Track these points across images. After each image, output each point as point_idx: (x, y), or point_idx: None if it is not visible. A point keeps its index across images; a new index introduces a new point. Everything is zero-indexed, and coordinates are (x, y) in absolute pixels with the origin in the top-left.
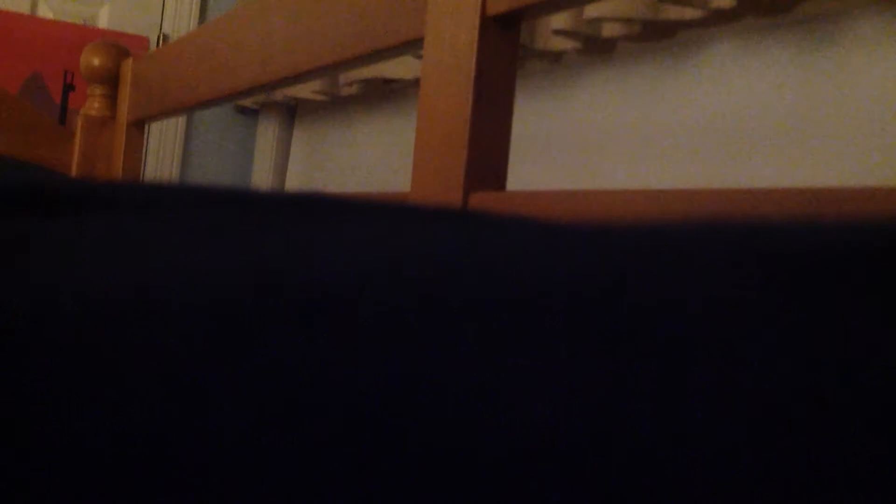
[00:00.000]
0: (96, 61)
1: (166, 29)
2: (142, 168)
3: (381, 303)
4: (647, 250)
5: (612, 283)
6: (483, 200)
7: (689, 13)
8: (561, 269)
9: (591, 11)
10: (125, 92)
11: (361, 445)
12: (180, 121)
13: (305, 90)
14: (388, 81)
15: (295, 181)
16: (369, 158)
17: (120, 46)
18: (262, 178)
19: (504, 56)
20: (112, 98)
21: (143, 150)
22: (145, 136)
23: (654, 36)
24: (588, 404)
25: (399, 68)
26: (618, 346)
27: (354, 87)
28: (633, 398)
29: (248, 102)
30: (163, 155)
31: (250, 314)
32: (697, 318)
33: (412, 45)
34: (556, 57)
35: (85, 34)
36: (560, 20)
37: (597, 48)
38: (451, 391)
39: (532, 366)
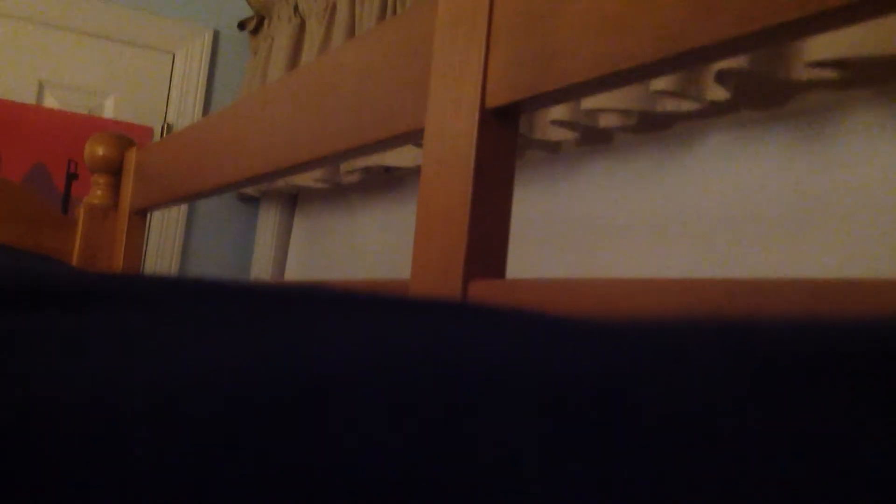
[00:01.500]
0: (101, 151)
1: (171, 119)
2: (143, 256)
3: (383, 401)
4: (644, 352)
5: (610, 387)
6: (482, 288)
7: (686, 105)
8: (558, 370)
9: (588, 103)
10: (128, 181)
11: None
12: (182, 208)
13: (307, 178)
14: (388, 169)
15: (295, 268)
16: (370, 245)
17: (124, 136)
18: (262, 265)
19: (503, 147)
20: (115, 187)
21: (145, 238)
22: (147, 224)
23: (651, 127)
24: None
25: (400, 156)
26: (615, 450)
27: (355, 174)
28: (630, 495)
29: (249, 190)
30: (164, 242)
31: (256, 413)
32: (694, 423)
33: (413, 136)
34: (554, 146)
35: (89, 124)
36: (558, 111)
37: (594, 138)
38: (448, 487)
39: (528, 468)
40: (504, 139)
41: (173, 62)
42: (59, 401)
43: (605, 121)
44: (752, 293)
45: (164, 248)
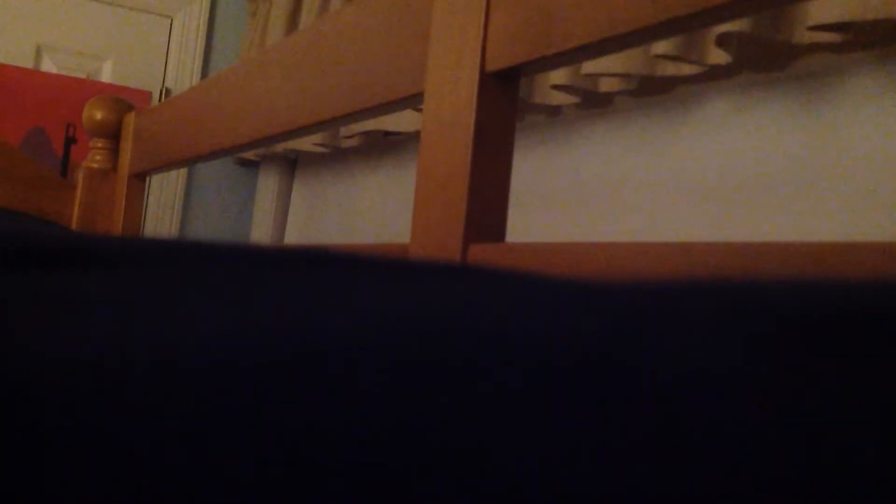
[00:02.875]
0: (99, 115)
1: (169, 83)
2: (142, 220)
3: (382, 362)
4: (640, 313)
5: (605, 350)
6: (482, 252)
7: (686, 69)
8: (558, 330)
9: (588, 67)
10: (127, 145)
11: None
12: (181, 173)
13: (306, 142)
14: (388, 134)
15: (295, 232)
16: (369, 210)
17: (122, 100)
18: (261, 229)
19: (503, 111)
20: (114, 151)
21: (144, 203)
22: (146, 188)
23: (652, 91)
24: (583, 463)
25: (399, 121)
26: (611, 407)
27: (355, 139)
28: (626, 458)
29: (248, 155)
30: (163, 207)
31: (255, 375)
32: (689, 382)
33: (412, 100)
34: (554, 110)
35: (88, 88)
36: (558, 75)
37: (595, 102)
38: (449, 449)
39: (527, 425)
40: (504, 103)
41: (171, 26)
42: (57, 361)
43: (606, 85)
44: (752, 256)
45: (163, 211)
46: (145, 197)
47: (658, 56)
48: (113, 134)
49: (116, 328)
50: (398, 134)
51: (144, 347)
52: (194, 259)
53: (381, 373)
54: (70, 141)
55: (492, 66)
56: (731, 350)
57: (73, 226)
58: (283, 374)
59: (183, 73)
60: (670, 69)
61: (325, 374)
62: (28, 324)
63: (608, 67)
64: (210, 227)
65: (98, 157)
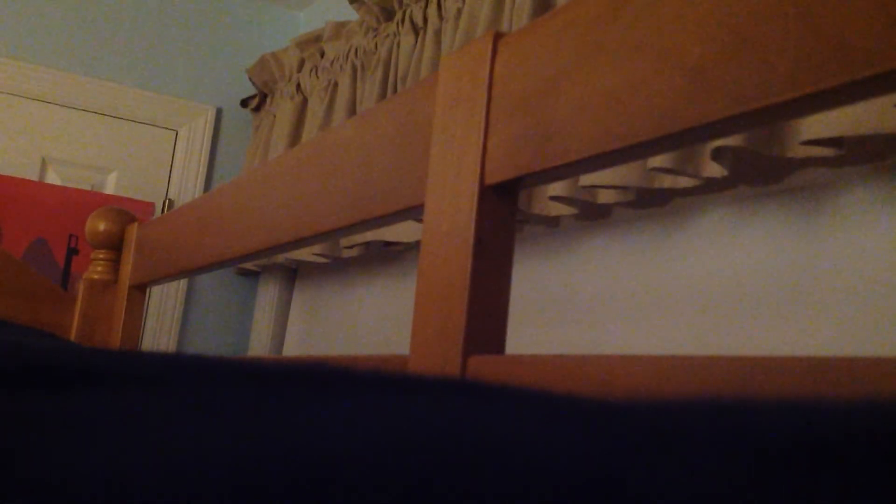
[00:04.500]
0: (102, 226)
1: (172, 195)
2: (141, 330)
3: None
4: (640, 437)
5: (607, 475)
6: (482, 364)
7: (682, 181)
8: (558, 455)
9: (586, 179)
10: (129, 256)
11: None
12: (181, 283)
13: (306, 252)
14: (388, 244)
15: (294, 343)
16: (369, 320)
17: (125, 212)
18: (260, 339)
19: (503, 223)
20: (115, 262)
21: (144, 313)
22: (146, 298)
23: (649, 202)
24: None
25: (399, 231)
26: None
27: (355, 249)
28: None
29: (249, 265)
30: (162, 316)
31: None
32: None
33: (413, 212)
34: (553, 221)
35: (91, 199)
36: (556, 186)
37: (593, 213)
38: None
39: None
40: (503, 215)
41: (176, 139)
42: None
43: (604, 197)
44: (751, 371)
45: (162, 322)
46: (145, 307)
47: (655, 168)
48: (115, 245)
49: (121, 453)
50: (398, 244)
51: (149, 477)
52: (197, 377)
53: (385, 496)
54: (72, 252)
55: (491, 178)
56: (737, 474)
57: (73, 336)
58: (292, 498)
59: (186, 185)
60: (667, 182)
61: (333, 497)
62: (31, 447)
63: (606, 179)
64: (209, 335)
65: (99, 268)
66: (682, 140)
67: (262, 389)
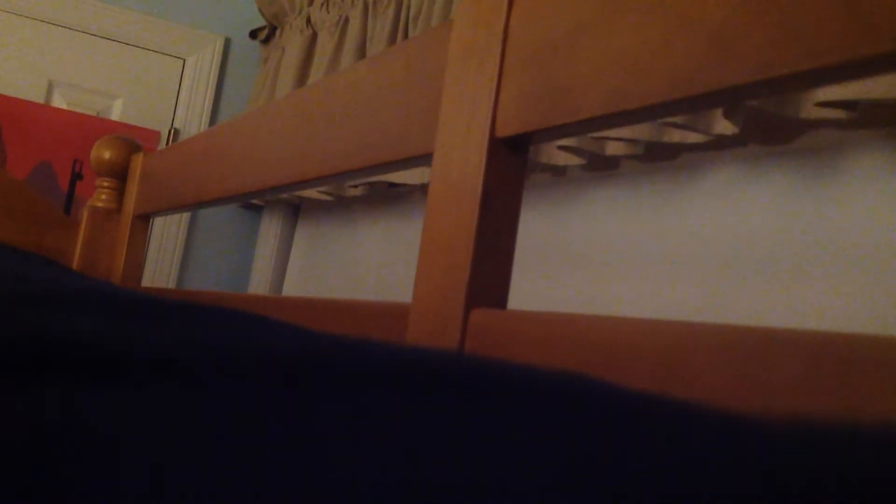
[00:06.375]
0: (107, 155)
1: (178, 124)
2: (143, 260)
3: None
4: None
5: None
6: (483, 318)
7: (693, 137)
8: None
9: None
10: (133, 186)
11: None
12: (184, 214)
13: (310, 189)
14: (392, 185)
15: (295, 278)
16: (370, 259)
17: (131, 141)
18: (261, 273)
19: (511, 177)
20: (119, 191)
21: (146, 243)
22: (149, 229)
23: (658, 156)
24: None
25: (404, 173)
26: None
27: (359, 188)
28: None
29: (253, 199)
30: (165, 247)
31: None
32: None
33: (421, 160)
34: (560, 170)
35: (96, 125)
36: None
37: (601, 165)
38: None
39: None
40: (512, 169)
41: (183, 67)
42: None
43: (612, 149)
44: (754, 342)
45: (164, 252)
46: (148, 236)
47: (665, 123)
48: (120, 174)
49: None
50: (403, 186)
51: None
52: (239, 370)
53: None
54: (76, 177)
55: (502, 132)
56: None
57: (75, 264)
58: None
59: (192, 115)
60: (677, 136)
61: None
62: (59, 461)
63: (615, 132)
64: (210, 268)
65: (103, 197)
66: (698, 104)
67: (303, 395)
